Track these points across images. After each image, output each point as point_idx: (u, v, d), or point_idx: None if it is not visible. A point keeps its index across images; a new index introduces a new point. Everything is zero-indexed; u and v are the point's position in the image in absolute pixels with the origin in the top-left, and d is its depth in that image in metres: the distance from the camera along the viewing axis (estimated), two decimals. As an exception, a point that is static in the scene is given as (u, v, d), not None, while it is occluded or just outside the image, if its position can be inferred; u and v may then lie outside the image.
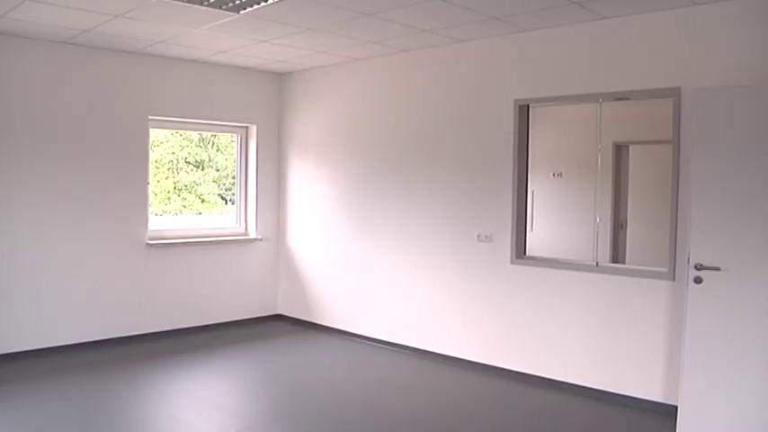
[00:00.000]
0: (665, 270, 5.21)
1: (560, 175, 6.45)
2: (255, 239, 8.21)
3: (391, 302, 7.14)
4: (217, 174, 8.77)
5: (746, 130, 4.59)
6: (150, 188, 7.37)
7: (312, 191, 8.00)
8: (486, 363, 6.30)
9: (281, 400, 5.58)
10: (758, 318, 4.53)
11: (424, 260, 6.82)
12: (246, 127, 8.22)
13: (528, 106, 6.09)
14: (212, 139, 8.56)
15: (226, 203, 8.76)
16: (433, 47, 6.61)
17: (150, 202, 7.38)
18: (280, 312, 8.46)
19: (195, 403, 5.46)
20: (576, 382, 5.70)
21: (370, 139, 7.34)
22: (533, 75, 5.98)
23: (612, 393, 5.49)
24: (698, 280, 4.69)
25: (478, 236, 6.35)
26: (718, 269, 4.62)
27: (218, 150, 8.78)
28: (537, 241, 6.19)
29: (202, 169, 8.77)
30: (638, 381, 5.37)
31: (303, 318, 8.14)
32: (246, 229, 8.27)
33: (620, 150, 6.27)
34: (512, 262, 6.11)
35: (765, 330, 4.52)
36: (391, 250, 7.13)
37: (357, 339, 7.45)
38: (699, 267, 4.67)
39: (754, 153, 4.55)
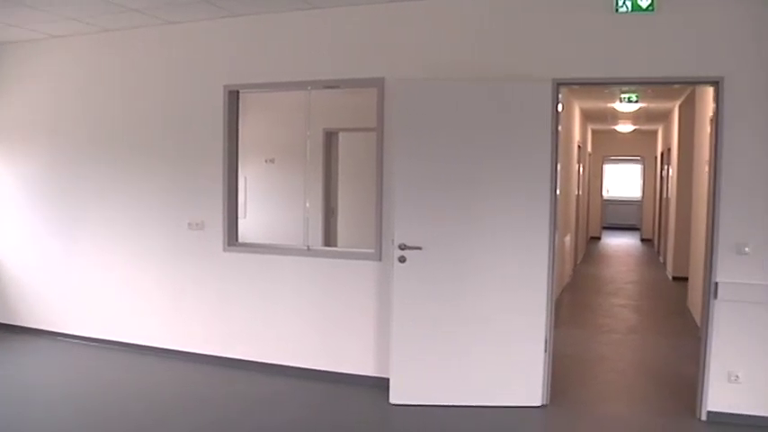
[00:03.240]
0: (373, 251, 5.48)
1: (273, 161, 6.53)
2: (-64, 235, 7.28)
3: (100, 297, 6.70)
4: None
5: (439, 120, 5.02)
6: None
7: (2, 182, 7.26)
8: (207, 353, 6.16)
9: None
10: (453, 290, 5.02)
11: (135, 252, 6.50)
12: None
13: (238, 92, 6.03)
14: None
15: None
16: (141, 27, 6.26)
17: None
18: (-32, 315, 7.59)
19: None
20: (298, 365, 5.79)
21: (73, 126, 6.76)
22: (243, 61, 5.95)
23: (333, 372, 5.66)
24: (402, 259, 5.02)
25: (189, 224, 6.18)
26: (419, 248, 5.00)
27: None
28: (251, 227, 6.19)
29: None
30: (355, 358, 5.60)
31: (-1, 320, 7.40)
32: (-76, 224, 7.31)
33: (330, 137, 6.48)
34: (224, 249, 6.04)
35: (459, 301, 5.01)
36: (99, 243, 6.67)
37: (64, 339, 6.87)
38: (403, 247, 5.01)
39: (445, 141, 5.00)
